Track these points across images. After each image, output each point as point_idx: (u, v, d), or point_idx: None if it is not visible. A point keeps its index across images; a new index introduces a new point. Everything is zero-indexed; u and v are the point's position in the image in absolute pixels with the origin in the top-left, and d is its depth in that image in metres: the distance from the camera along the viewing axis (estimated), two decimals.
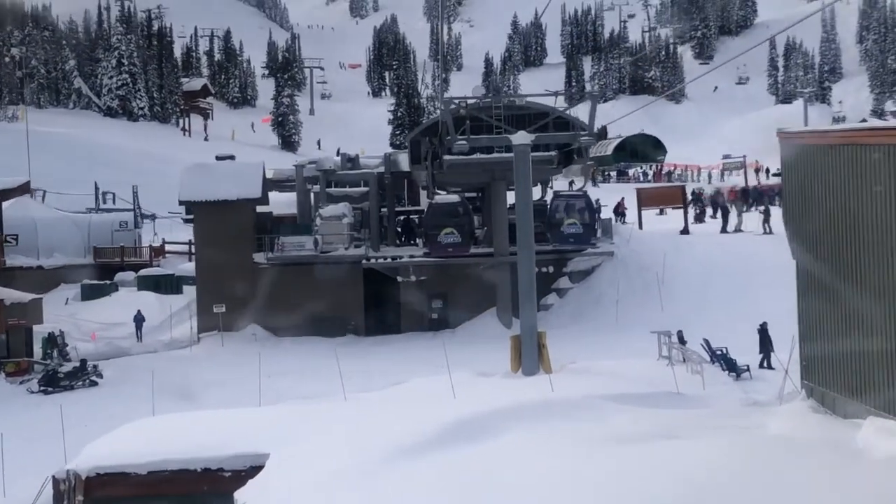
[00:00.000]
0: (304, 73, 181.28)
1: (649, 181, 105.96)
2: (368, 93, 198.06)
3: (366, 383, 33.52)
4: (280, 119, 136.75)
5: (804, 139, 23.52)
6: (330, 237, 47.21)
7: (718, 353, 31.09)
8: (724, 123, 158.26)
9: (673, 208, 57.34)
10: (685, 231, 53.69)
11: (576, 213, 46.41)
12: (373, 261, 47.09)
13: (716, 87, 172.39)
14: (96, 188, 73.55)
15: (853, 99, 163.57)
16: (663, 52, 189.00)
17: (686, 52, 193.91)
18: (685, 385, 26.61)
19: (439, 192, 51.22)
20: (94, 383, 39.39)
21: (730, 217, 53.70)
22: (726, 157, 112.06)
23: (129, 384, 38.65)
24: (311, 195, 54.66)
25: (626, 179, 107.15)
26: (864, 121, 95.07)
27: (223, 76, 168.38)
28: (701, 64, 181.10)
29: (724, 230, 53.23)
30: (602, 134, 36.17)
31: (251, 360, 41.14)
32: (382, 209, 52.62)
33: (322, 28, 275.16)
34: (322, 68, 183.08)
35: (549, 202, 47.43)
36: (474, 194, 52.75)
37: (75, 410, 32.77)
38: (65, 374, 39.20)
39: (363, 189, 53.25)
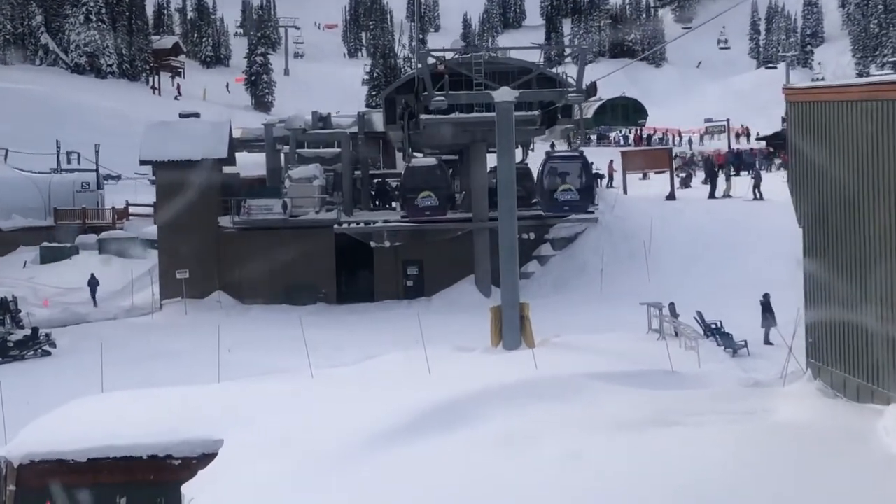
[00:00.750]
0: (279, 32, 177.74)
1: (629, 145, 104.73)
2: (344, 54, 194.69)
3: (336, 356, 31.51)
4: (253, 78, 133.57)
5: (816, 95, 21.36)
6: (300, 200, 44.83)
7: (713, 326, 29.11)
8: (705, 88, 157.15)
9: (657, 172, 55.29)
10: (671, 196, 51.69)
11: (573, 177, 43.22)
12: (345, 226, 44.71)
13: (699, 63, 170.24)
14: (58, 147, 70.61)
15: (835, 63, 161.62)
16: (644, 15, 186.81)
17: (667, 15, 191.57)
18: (679, 362, 24.57)
19: (416, 154, 48.97)
20: (47, 353, 37.08)
21: (718, 182, 51.66)
22: (708, 120, 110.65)
23: (83, 354, 35.95)
24: (282, 156, 52.31)
25: (607, 143, 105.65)
26: None
27: (196, 35, 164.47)
28: (683, 28, 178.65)
29: (712, 195, 51.21)
30: (591, 90, 33.06)
31: (215, 329, 39.32)
32: (356, 172, 50.46)
33: None
34: (297, 27, 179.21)
35: (541, 165, 43.98)
36: (452, 157, 50.63)
37: (23, 382, 30.87)
38: (15, 343, 36.78)
39: (336, 150, 50.92)
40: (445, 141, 44.25)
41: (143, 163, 46.44)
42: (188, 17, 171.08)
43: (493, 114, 40.41)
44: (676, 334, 27.90)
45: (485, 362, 26.18)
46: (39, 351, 36.96)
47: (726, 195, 50.91)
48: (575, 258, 44.16)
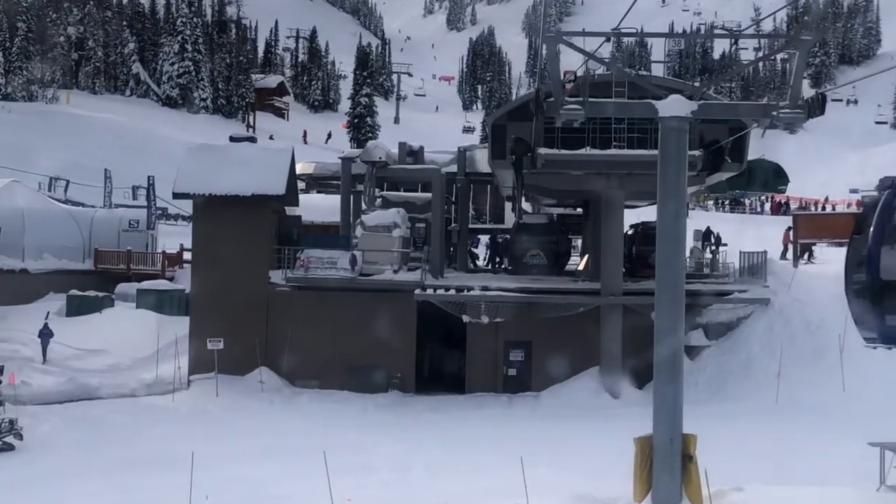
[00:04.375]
0: (393, 80, 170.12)
1: (765, 213, 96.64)
2: (460, 105, 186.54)
3: (399, 486, 21.67)
4: (356, 121, 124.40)
5: None
6: (374, 255, 34.31)
7: None
8: (844, 157, 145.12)
9: (837, 244, 43.43)
10: None
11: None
12: (431, 291, 33.85)
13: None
14: (107, 176, 61.26)
15: None
16: (779, 79, 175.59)
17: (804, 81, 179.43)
18: None
19: (527, 204, 38.65)
20: (9, 447, 26.82)
21: None
22: (854, 191, 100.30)
23: (60, 452, 26.79)
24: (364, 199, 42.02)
25: (742, 210, 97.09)
26: None
27: (305, 77, 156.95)
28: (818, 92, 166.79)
29: None
30: (817, 105, 20.73)
31: (250, 422, 29.78)
32: (454, 224, 40.32)
33: (409, 39, 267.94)
34: (410, 74, 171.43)
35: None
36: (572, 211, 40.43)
37: None
38: None
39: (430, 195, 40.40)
40: (569, 186, 33.54)
41: (177, 196, 36.37)
42: (299, 60, 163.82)
43: (636, 151, 30.80)
44: None
45: None
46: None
47: None
48: (737, 352, 32.72)
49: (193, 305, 35.87)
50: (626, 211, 34.58)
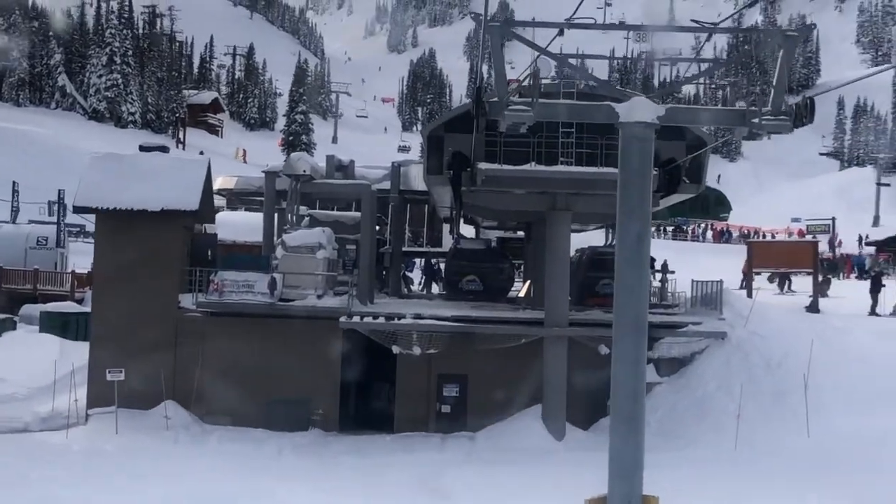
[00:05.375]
0: (332, 100, 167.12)
1: (707, 241, 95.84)
2: (399, 128, 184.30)
3: None
4: (291, 138, 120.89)
5: None
6: (295, 278, 31.08)
7: None
8: (781, 186, 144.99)
9: (794, 273, 41.25)
10: (813, 308, 37.63)
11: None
12: (358, 319, 30.66)
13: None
14: (14, 190, 57.30)
15: None
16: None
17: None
18: None
19: (466, 226, 35.69)
20: None
21: (883, 293, 37.38)
22: (795, 219, 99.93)
23: None
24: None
25: (683, 237, 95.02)
26: None
27: (241, 95, 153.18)
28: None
29: (874, 312, 36.94)
30: (804, 113, 17.97)
31: (151, 464, 26.49)
32: (387, 246, 37.40)
33: (350, 60, 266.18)
34: (349, 94, 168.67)
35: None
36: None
37: None
38: None
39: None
40: (512, 205, 30.68)
41: (77, 210, 32.86)
42: (235, 76, 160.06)
43: (585, 169, 28.03)
44: None
45: None
46: None
47: None
48: (692, 391, 29.90)
49: (94, 331, 32.27)
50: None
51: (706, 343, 31.01)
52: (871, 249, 77.92)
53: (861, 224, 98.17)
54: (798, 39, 16.00)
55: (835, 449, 25.70)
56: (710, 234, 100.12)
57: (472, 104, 19.44)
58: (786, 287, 45.57)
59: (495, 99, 16.28)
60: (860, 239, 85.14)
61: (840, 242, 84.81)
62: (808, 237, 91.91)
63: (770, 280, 46.84)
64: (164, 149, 34.58)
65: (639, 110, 15.49)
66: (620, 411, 15.58)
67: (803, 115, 15.88)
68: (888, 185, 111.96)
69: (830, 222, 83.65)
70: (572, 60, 17.25)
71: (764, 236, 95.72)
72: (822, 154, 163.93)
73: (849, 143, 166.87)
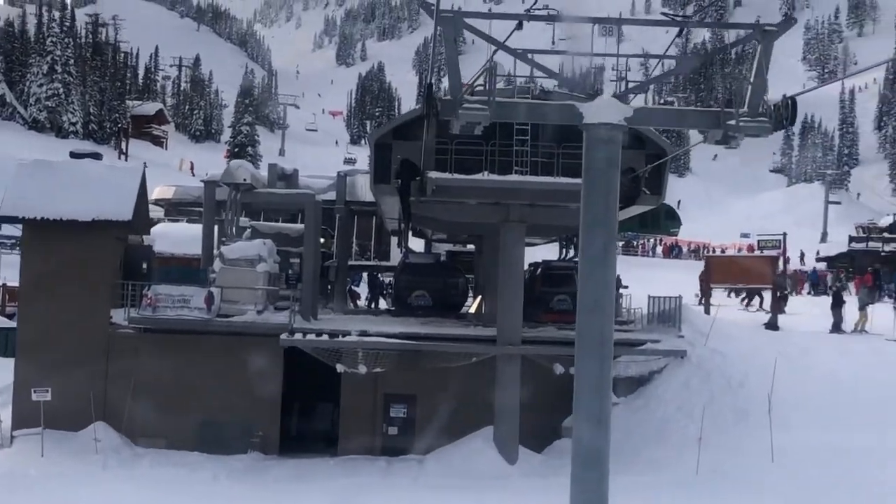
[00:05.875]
0: (279, 112, 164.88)
1: (657, 256, 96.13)
2: (347, 141, 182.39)
3: None
4: (237, 150, 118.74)
5: None
6: (234, 293, 29.47)
7: None
8: (732, 201, 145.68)
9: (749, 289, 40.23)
10: (772, 325, 36.60)
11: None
12: (300, 336, 29.06)
13: (715, 156, 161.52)
14: None
15: (869, 187, 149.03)
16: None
17: None
18: None
19: (415, 239, 34.25)
20: None
21: (844, 310, 36.35)
22: (745, 235, 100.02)
23: None
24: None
25: (634, 252, 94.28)
26: None
27: (187, 106, 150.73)
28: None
29: (837, 329, 35.92)
30: (786, 114, 16.61)
31: (77, 491, 24.96)
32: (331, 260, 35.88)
33: (299, 73, 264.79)
34: (297, 106, 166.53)
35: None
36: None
37: None
38: None
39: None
40: (463, 217, 29.28)
41: (3, 220, 31.07)
42: (180, 87, 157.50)
43: (541, 179, 26.75)
44: None
45: None
46: None
47: (861, 330, 35.63)
48: (651, 412, 28.56)
49: (20, 348, 30.34)
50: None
51: (665, 362, 29.74)
52: (822, 265, 77.56)
53: (810, 240, 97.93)
54: (777, 34, 14.78)
55: (799, 472, 24.52)
56: (659, 249, 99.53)
57: (422, 102, 17.99)
58: (758, 304, 44.61)
59: (448, 97, 14.90)
60: (802, 255, 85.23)
61: (788, 259, 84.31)
62: (757, 252, 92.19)
63: (728, 295, 45.91)
64: (96, 156, 32.82)
65: (605, 111, 14.27)
66: (583, 443, 14.22)
67: (784, 117, 14.65)
68: (839, 202, 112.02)
69: (782, 237, 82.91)
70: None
71: (714, 251, 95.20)
72: (772, 171, 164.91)
73: (796, 160, 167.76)
